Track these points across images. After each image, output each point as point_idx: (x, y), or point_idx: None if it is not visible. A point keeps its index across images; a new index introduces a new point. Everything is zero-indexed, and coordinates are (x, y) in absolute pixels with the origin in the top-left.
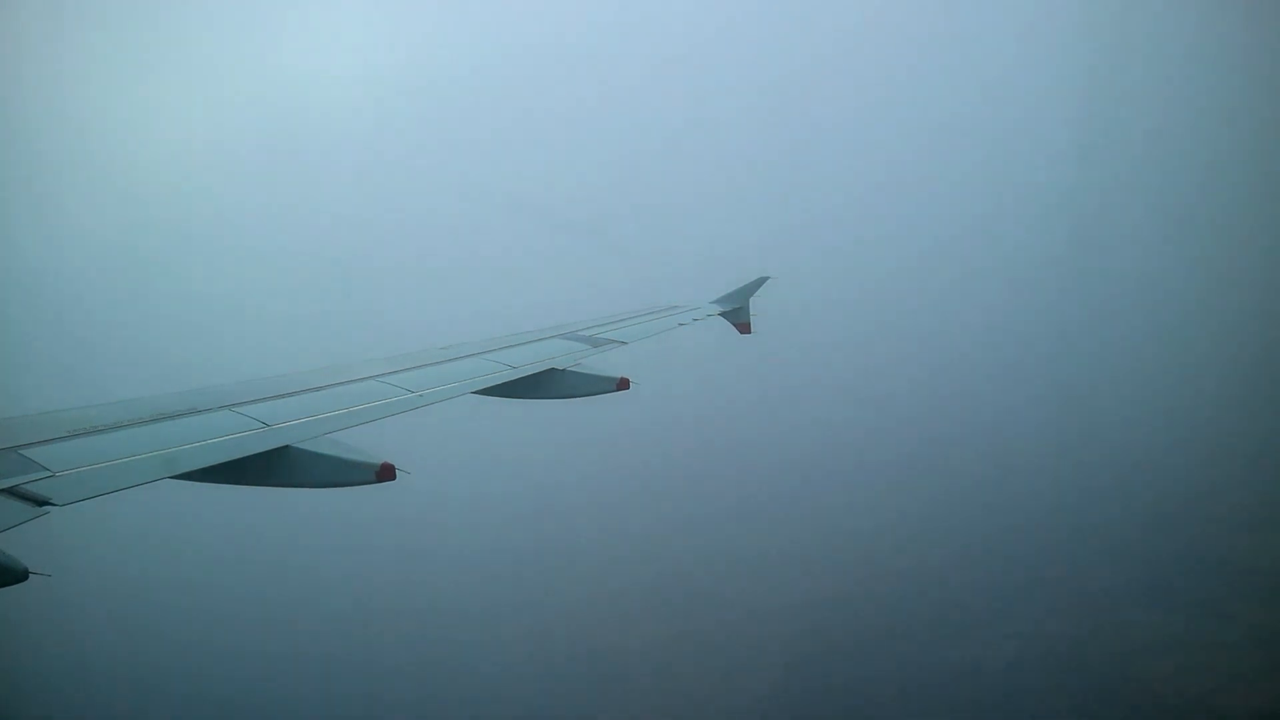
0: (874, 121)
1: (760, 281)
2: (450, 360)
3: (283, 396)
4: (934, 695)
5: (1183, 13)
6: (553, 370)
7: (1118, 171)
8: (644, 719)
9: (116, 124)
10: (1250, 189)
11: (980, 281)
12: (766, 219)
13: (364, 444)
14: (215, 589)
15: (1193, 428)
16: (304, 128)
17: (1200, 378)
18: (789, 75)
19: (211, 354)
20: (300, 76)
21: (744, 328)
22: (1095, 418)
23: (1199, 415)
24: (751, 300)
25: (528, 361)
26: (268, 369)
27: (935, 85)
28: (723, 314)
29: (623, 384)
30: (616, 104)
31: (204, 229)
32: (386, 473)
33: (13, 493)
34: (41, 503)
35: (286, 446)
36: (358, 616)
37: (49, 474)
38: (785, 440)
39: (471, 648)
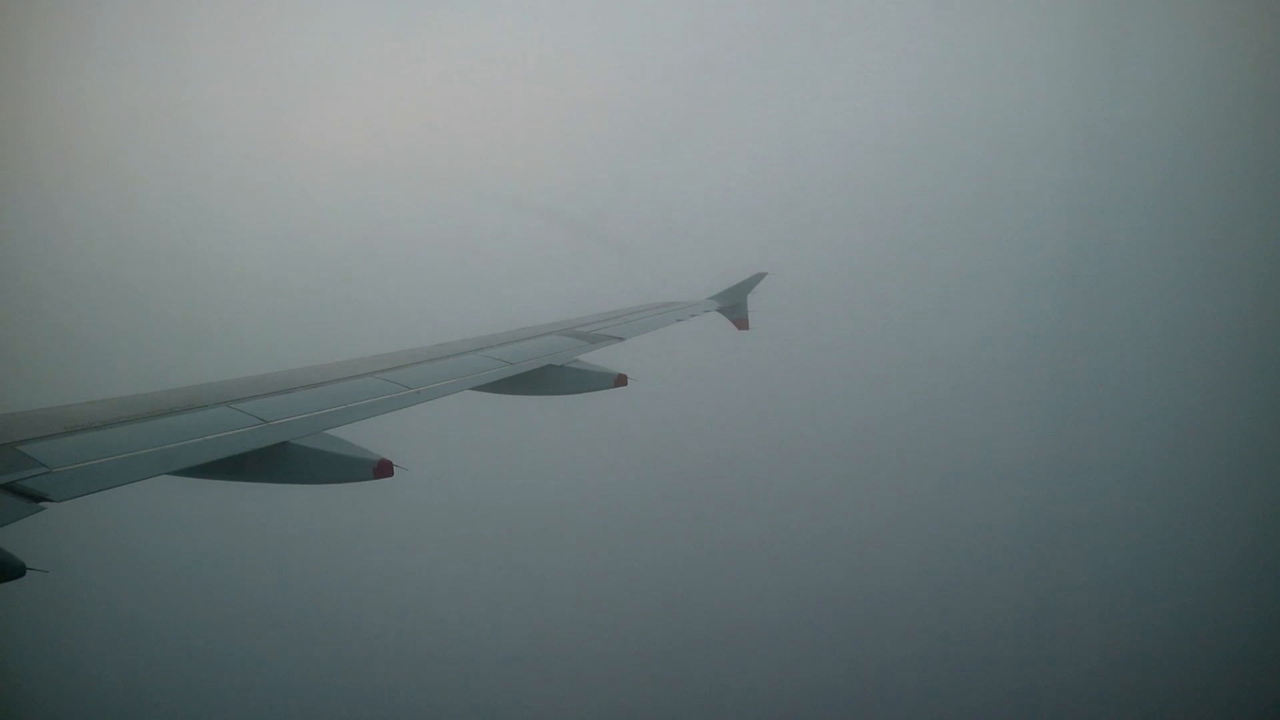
0: (874, 116)
1: (758, 278)
2: (447, 357)
3: (280, 393)
4: (934, 695)
5: (1183, 10)
6: (550, 366)
7: (1121, 169)
8: (644, 717)
9: (113, 117)
10: (1250, 188)
11: (982, 278)
12: (764, 214)
13: (362, 440)
14: (213, 585)
15: (1197, 426)
16: (300, 122)
17: (1202, 377)
18: (789, 68)
19: (209, 350)
20: (297, 71)
21: (742, 324)
22: (1101, 416)
23: (1203, 414)
24: (749, 296)
25: (525, 358)
26: (266, 365)
27: (937, 80)
28: (720, 310)
29: (620, 380)
30: (613, 97)
31: (201, 224)
32: (384, 469)
33: (10, 489)
34: (39, 499)
35: (284, 443)
36: (355, 613)
37: (46, 470)
38: (784, 437)
39: (469, 644)
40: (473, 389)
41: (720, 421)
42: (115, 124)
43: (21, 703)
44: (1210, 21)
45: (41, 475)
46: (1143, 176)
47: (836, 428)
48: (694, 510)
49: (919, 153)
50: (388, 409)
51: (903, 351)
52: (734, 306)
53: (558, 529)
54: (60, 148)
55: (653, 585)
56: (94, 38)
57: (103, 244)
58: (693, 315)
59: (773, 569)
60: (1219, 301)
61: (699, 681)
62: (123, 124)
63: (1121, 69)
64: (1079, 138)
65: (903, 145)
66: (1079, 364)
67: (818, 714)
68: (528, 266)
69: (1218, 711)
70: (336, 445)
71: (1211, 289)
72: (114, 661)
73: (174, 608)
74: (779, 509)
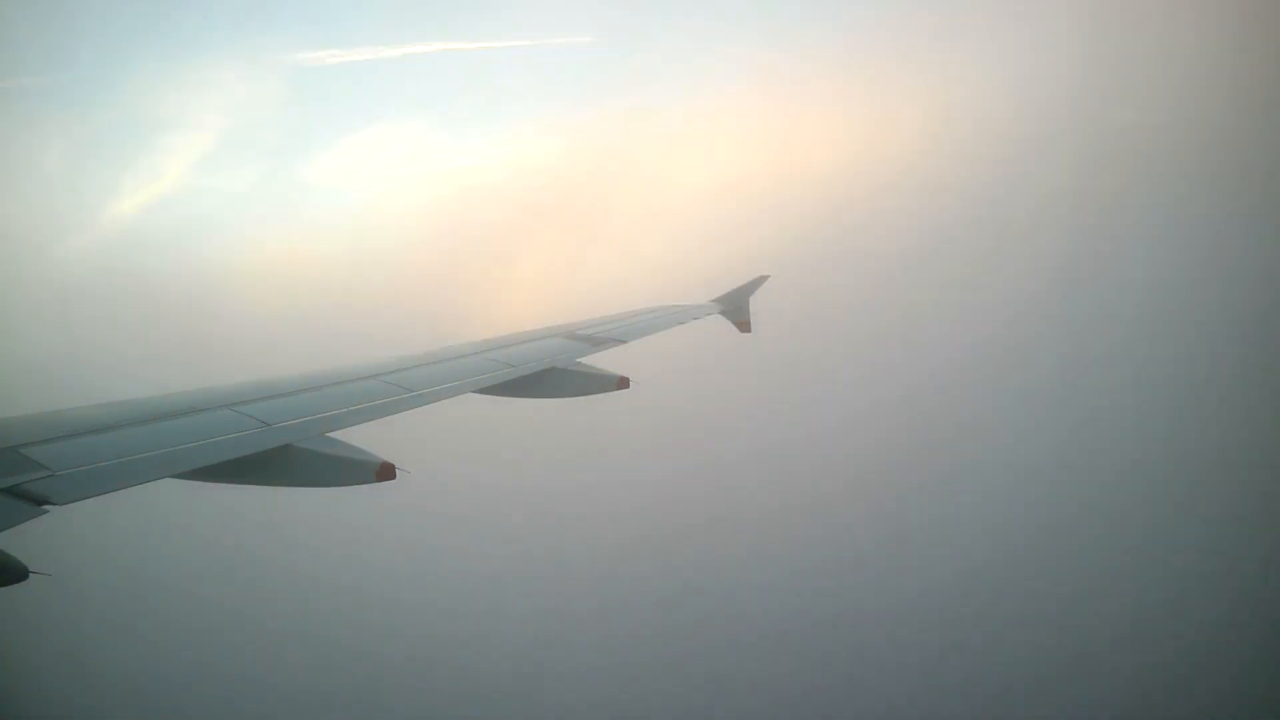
0: (875, 118)
1: (760, 280)
2: (450, 359)
3: (283, 396)
4: (934, 701)
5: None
6: (552, 369)
7: (1123, 172)
8: (646, 717)
9: (113, 117)
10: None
11: (984, 280)
12: (766, 217)
13: (364, 443)
14: (215, 588)
15: (1197, 429)
16: (299, 123)
17: (1203, 380)
18: (789, 70)
19: (212, 353)
20: (298, 70)
21: (743, 326)
22: (1101, 420)
23: (1203, 417)
24: (751, 299)
25: (527, 360)
26: (268, 368)
27: (939, 83)
28: (722, 313)
29: (622, 383)
30: (615, 99)
31: (203, 227)
32: (386, 472)
33: (12, 492)
34: (41, 502)
35: (286, 445)
36: (357, 614)
37: (49, 473)
38: (785, 439)
39: (471, 647)
40: (475, 391)
41: (722, 423)
42: (116, 123)
43: (23, 703)
44: (1210, 23)
45: (44, 478)
46: (1143, 179)
47: (838, 429)
48: (695, 511)
49: (920, 155)
50: (390, 411)
51: (904, 353)
52: (736, 309)
53: (560, 530)
54: (61, 146)
55: (654, 585)
56: (92, 45)
57: (105, 247)
58: (695, 318)
59: (774, 568)
60: (1219, 302)
61: (701, 681)
62: (126, 124)
63: (1122, 72)
64: (1079, 141)
65: (904, 148)
66: (1080, 364)
67: (819, 712)
68: (530, 269)
69: (1217, 709)
70: (339, 448)
71: (1212, 290)
72: (116, 663)
73: (176, 610)
74: (780, 509)
